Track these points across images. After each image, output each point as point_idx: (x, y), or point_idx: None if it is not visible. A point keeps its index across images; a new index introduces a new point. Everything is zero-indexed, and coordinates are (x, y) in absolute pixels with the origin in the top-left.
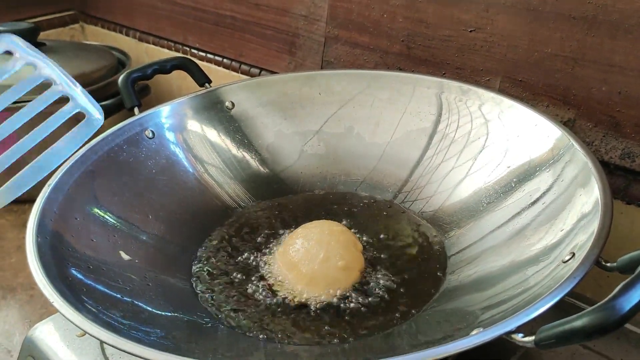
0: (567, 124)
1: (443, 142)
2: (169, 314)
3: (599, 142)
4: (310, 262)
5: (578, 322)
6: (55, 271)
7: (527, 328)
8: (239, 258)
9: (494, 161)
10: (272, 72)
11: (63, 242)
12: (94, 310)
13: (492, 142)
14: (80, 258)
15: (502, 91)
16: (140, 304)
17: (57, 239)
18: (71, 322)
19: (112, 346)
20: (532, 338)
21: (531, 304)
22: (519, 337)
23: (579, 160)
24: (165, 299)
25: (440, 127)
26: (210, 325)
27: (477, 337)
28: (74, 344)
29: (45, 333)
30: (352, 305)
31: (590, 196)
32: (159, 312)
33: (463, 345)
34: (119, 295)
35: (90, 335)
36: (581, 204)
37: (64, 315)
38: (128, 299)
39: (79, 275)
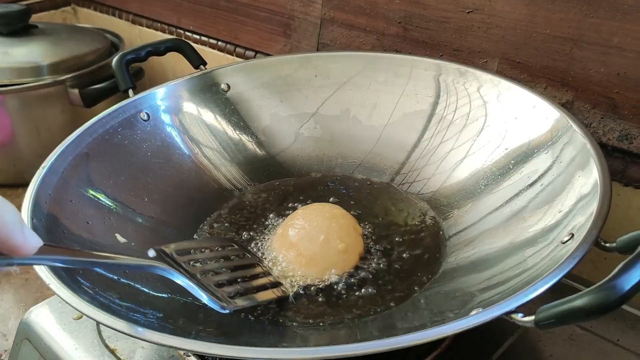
0: (565, 106)
1: (441, 124)
2: (166, 295)
3: (597, 124)
4: (310, 243)
5: (578, 301)
6: None
7: (526, 309)
8: (237, 239)
9: (492, 143)
10: (267, 55)
11: (58, 225)
12: (90, 292)
13: (490, 124)
14: (76, 240)
15: (500, 73)
16: (137, 285)
17: (52, 222)
18: (68, 304)
19: (110, 327)
20: (532, 318)
21: (530, 284)
22: (518, 317)
23: (578, 141)
24: (162, 281)
25: (438, 110)
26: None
27: (477, 317)
28: (70, 326)
29: (41, 316)
30: (351, 287)
31: (588, 177)
32: (156, 294)
33: (462, 326)
34: (115, 277)
35: (88, 316)
36: (580, 186)
37: (61, 298)
38: (124, 281)
39: None
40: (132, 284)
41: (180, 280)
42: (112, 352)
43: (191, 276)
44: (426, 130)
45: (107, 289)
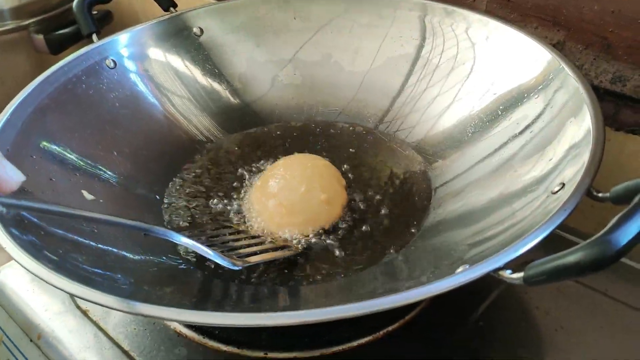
0: (557, 47)
1: (426, 68)
2: (139, 257)
3: (589, 66)
4: (290, 194)
5: (571, 257)
6: (10, 215)
7: (515, 264)
8: (212, 194)
9: (480, 88)
10: None
11: None
12: (54, 257)
13: (478, 68)
14: (39, 199)
15: (489, 12)
16: (107, 247)
17: None
18: (32, 273)
19: (79, 297)
20: (521, 275)
21: (520, 238)
22: (506, 274)
23: (570, 85)
24: (133, 241)
25: (424, 53)
26: (184, 268)
27: (463, 275)
28: (42, 286)
29: (9, 277)
30: (332, 242)
31: (581, 124)
32: (128, 255)
33: (448, 285)
34: (82, 239)
35: (54, 286)
36: (572, 133)
37: (22, 266)
38: (93, 243)
39: (36, 219)
40: (101, 246)
41: (185, 240)
42: (85, 313)
43: (195, 240)
44: (411, 75)
45: (72, 251)
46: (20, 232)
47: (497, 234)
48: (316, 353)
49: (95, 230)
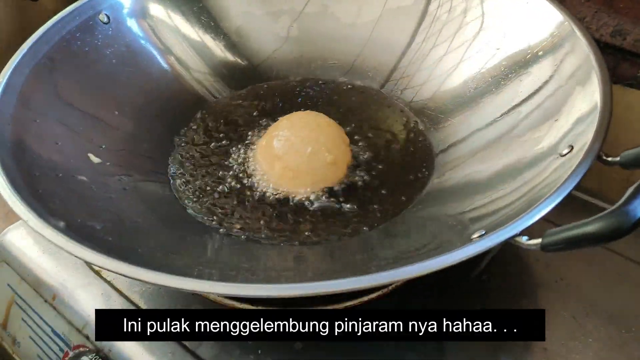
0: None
1: (434, 25)
2: (150, 219)
3: (591, 18)
4: (296, 156)
5: (589, 227)
6: (23, 184)
7: (529, 231)
8: (217, 152)
9: (488, 47)
10: None
11: (26, 150)
12: (72, 222)
13: (487, 26)
14: (47, 165)
15: None
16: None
17: (19, 147)
18: (54, 243)
19: (101, 267)
20: (538, 241)
21: (534, 204)
22: (523, 240)
23: (580, 50)
24: (144, 203)
25: (431, 8)
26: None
27: (481, 244)
28: (50, 247)
29: (18, 237)
30: (335, 204)
31: (590, 89)
32: (138, 220)
33: (468, 253)
34: (96, 204)
35: (75, 256)
36: (580, 97)
37: (44, 236)
38: (105, 207)
39: (50, 186)
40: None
41: None
42: (97, 273)
43: None
44: (417, 32)
45: (89, 218)
46: (38, 202)
47: (511, 202)
48: (328, 307)
49: (104, 195)
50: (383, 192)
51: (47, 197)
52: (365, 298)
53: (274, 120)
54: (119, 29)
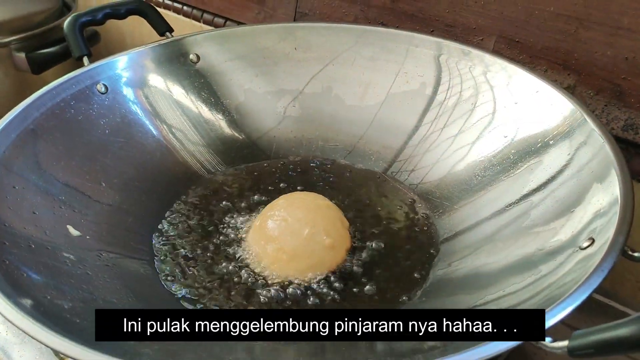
0: (567, 91)
1: (440, 110)
2: (126, 299)
3: (600, 112)
4: (292, 238)
5: (622, 330)
6: None
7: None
8: (208, 231)
9: (497, 134)
10: (239, 23)
11: None
12: (37, 301)
13: (496, 113)
14: (19, 235)
15: (497, 52)
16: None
17: None
18: (13, 324)
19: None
20: (565, 343)
21: (556, 302)
22: (547, 342)
23: (595, 141)
24: (122, 280)
25: (438, 94)
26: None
27: (498, 344)
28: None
29: None
30: (335, 293)
31: (608, 180)
32: (113, 300)
33: (482, 355)
34: (68, 280)
35: (37, 340)
36: (598, 190)
37: (4, 317)
38: (78, 285)
39: (19, 257)
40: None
41: None
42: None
43: None
44: (424, 116)
45: (58, 297)
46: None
47: (527, 298)
48: None
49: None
50: (380, 284)
51: (13, 270)
52: None
53: (270, 200)
54: (116, 99)
